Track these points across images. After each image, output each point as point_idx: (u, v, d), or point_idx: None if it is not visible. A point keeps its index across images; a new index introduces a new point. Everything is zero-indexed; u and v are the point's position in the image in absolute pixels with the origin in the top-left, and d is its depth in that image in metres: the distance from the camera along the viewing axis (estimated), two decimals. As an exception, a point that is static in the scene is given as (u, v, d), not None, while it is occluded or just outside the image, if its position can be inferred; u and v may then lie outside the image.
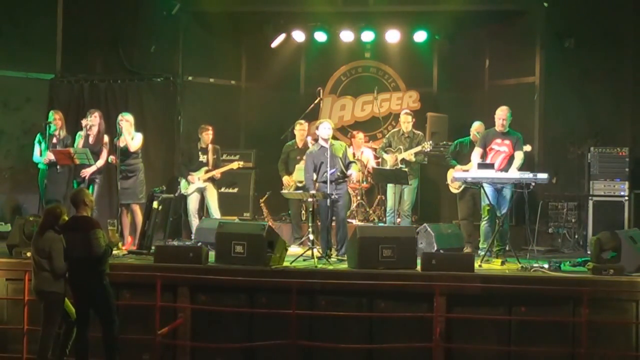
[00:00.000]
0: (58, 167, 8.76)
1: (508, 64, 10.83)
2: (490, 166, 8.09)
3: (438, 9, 10.42)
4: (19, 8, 10.53)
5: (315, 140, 8.79)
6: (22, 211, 9.82)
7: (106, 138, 8.90)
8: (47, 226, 6.29)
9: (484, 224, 8.38)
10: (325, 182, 8.17)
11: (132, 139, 8.84)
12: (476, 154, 8.39)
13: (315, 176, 8.33)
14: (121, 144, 8.78)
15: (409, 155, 9.23)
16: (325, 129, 8.31)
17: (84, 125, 8.86)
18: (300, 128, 9.90)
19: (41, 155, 8.84)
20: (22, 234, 7.57)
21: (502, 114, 8.30)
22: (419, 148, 9.22)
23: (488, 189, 8.09)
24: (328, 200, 8.13)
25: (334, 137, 8.65)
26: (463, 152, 9.17)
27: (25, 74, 10.63)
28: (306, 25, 11.06)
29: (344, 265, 7.71)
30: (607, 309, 6.82)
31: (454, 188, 9.29)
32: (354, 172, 8.45)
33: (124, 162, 8.82)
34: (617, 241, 7.25)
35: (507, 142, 8.30)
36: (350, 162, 8.47)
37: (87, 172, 8.67)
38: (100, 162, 8.79)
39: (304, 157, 8.70)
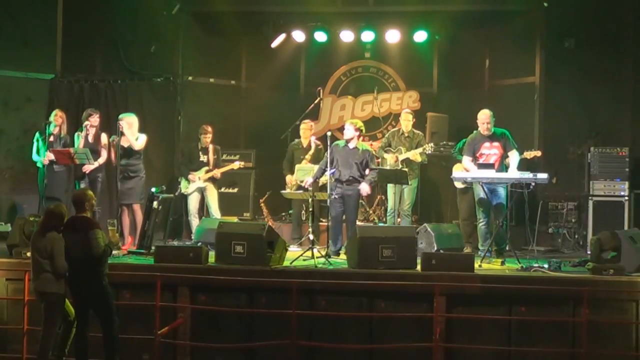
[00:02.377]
0: (55, 166, 8.75)
1: (508, 64, 10.84)
2: (490, 166, 8.09)
3: (438, 9, 10.42)
4: (19, 8, 10.52)
5: (320, 140, 8.85)
6: (22, 211, 9.81)
7: (105, 137, 8.90)
8: (50, 227, 6.27)
9: (480, 225, 8.38)
10: (337, 180, 8.26)
11: (136, 139, 8.85)
12: (467, 161, 8.36)
13: (324, 173, 8.40)
14: (124, 143, 8.78)
15: (414, 155, 9.20)
16: (347, 129, 8.48)
17: (84, 125, 8.86)
18: (305, 127, 9.87)
19: (38, 153, 8.83)
20: (22, 234, 7.56)
21: (485, 118, 8.25)
22: (420, 150, 9.19)
23: (485, 189, 8.09)
24: (335, 196, 8.16)
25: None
26: None
27: (25, 74, 10.62)
28: (306, 25, 11.06)
29: (344, 265, 7.72)
30: (607, 309, 6.83)
31: (459, 183, 9.24)
32: (365, 186, 8.38)
33: (126, 161, 8.82)
34: (617, 241, 7.24)
35: (495, 143, 8.28)
36: (372, 169, 8.45)
37: (87, 169, 8.67)
38: (101, 160, 8.79)
39: (307, 157, 8.74)
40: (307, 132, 9.86)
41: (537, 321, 6.86)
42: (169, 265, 7.29)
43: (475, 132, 8.49)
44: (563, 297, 6.88)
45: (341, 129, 11.33)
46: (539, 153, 8.77)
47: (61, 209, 6.42)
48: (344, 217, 8.42)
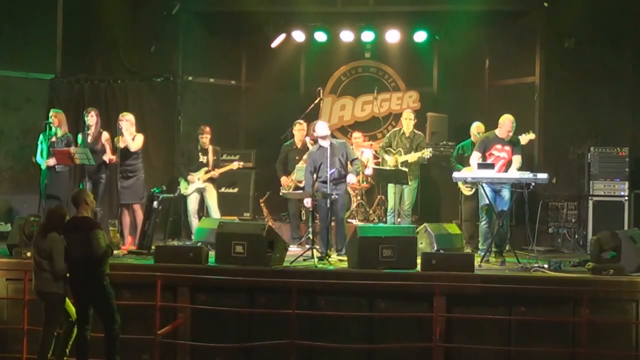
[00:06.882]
0: (56, 166, 8.74)
1: (508, 64, 10.84)
2: (491, 166, 8.08)
3: (438, 9, 10.43)
4: (19, 8, 10.53)
5: (314, 141, 8.77)
6: (22, 211, 9.81)
7: (107, 135, 8.89)
8: (51, 227, 6.27)
9: (482, 225, 8.37)
10: (324, 182, 8.17)
11: (132, 139, 8.84)
12: (475, 158, 8.34)
13: (314, 177, 8.34)
14: (121, 144, 8.77)
15: (413, 157, 9.17)
16: (321, 127, 8.30)
17: (87, 125, 8.85)
18: (300, 128, 9.86)
19: (42, 155, 8.82)
20: (22, 234, 7.58)
21: (509, 125, 8.15)
22: (419, 154, 9.16)
23: (487, 189, 8.08)
24: (327, 201, 8.12)
25: (333, 136, 8.63)
26: (465, 154, 9.09)
27: (25, 74, 10.64)
28: (306, 25, 11.07)
29: (344, 265, 7.71)
30: (607, 309, 6.83)
31: (467, 190, 9.20)
32: (352, 177, 8.43)
33: (124, 162, 8.81)
34: (617, 241, 7.24)
35: (507, 148, 8.24)
36: (354, 159, 8.47)
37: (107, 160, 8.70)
38: (105, 158, 8.75)
39: (304, 158, 8.67)
40: (301, 132, 9.83)
41: (537, 321, 6.86)
42: (169, 265, 7.29)
43: (490, 132, 8.46)
44: (563, 297, 6.88)
45: (341, 130, 11.43)
46: (532, 135, 8.67)
47: (62, 209, 6.43)
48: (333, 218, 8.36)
